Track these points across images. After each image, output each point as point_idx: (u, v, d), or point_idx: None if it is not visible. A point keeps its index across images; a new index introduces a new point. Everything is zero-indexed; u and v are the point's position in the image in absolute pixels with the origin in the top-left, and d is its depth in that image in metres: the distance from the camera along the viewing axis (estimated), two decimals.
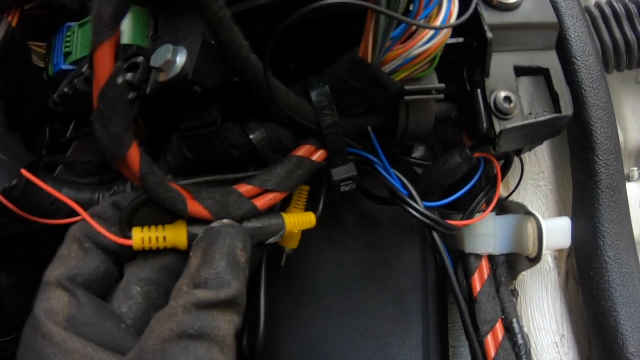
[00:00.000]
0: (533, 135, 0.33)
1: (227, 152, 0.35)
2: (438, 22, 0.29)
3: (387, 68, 0.29)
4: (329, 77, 0.31)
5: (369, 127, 0.33)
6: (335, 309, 0.39)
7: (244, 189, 0.31)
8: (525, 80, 0.35)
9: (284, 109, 0.30)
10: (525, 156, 0.40)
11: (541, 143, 0.38)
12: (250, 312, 0.35)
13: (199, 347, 0.21)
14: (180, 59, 0.31)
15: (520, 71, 0.34)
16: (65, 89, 0.33)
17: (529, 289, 0.37)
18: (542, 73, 0.34)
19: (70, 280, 0.24)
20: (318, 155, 0.32)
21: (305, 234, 0.40)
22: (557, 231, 0.35)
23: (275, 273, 0.38)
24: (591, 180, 0.35)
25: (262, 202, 0.30)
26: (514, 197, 0.39)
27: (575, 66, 0.36)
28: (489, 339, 0.35)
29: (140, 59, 0.33)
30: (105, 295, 0.26)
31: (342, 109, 0.31)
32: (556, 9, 0.37)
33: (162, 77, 0.31)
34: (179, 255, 0.27)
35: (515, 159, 0.39)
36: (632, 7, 0.41)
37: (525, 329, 0.36)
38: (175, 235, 0.27)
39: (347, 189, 0.34)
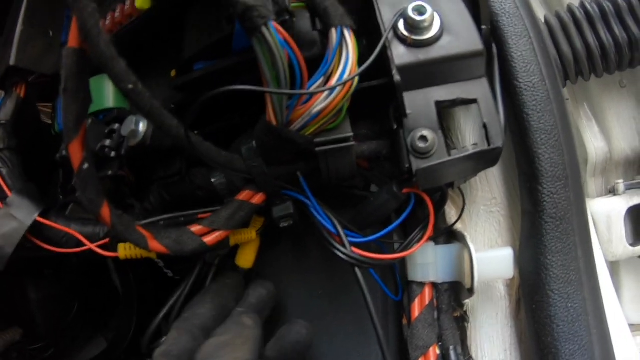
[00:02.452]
0: (460, 170, 0.33)
1: (195, 194, 0.42)
2: (335, 79, 0.31)
3: (295, 126, 0.32)
4: (254, 135, 0.34)
5: (298, 173, 0.36)
6: None
7: (196, 228, 0.37)
8: (455, 113, 0.35)
9: (213, 165, 0.35)
10: (478, 182, 0.38)
11: (475, 175, 0.37)
12: None
13: None
14: (142, 128, 0.39)
15: (446, 105, 0.33)
16: (64, 152, 0.41)
17: (480, 315, 0.37)
18: (471, 104, 0.33)
19: None
20: (257, 198, 0.37)
21: (273, 257, 0.45)
22: (495, 262, 0.34)
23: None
24: (535, 210, 0.33)
25: (210, 239, 0.37)
26: (467, 223, 0.38)
27: (518, 89, 0.34)
28: None
29: (117, 126, 0.41)
30: None
31: (271, 159, 0.35)
32: (498, 29, 0.35)
33: (132, 142, 0.39)
34: None
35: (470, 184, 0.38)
36: (607, 6, 0.36)
37: (474, 356, 0.36)
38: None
39: (287, 224, 0.38)
